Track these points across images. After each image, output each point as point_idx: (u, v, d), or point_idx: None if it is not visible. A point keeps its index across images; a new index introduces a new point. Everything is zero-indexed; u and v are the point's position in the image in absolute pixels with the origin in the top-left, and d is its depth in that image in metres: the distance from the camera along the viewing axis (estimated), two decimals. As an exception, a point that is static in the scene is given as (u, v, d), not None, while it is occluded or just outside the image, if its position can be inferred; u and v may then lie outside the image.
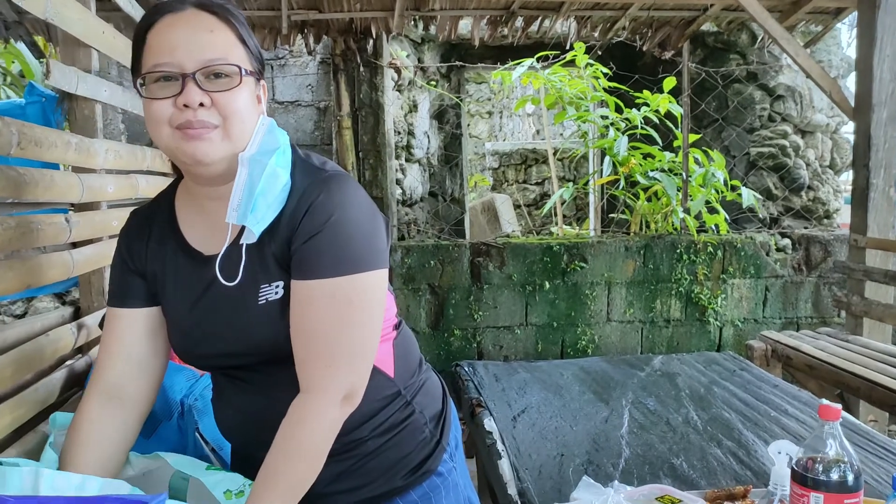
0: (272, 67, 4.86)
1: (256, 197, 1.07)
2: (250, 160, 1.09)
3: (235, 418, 1.23)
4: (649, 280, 4.83)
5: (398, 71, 5.04)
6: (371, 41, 4.72)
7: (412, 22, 4.81)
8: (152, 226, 1.19)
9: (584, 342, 4.76)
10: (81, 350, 1.82)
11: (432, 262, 4.65)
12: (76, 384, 1.70)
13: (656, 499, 1.58)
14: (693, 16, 4.59)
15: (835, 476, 1.21)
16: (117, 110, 4.40)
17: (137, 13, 2.35)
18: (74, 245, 1.72)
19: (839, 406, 1.25)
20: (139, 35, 1.10)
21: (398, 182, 5.54)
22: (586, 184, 6.03)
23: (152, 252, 1.18)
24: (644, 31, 4.85)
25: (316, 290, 1.07)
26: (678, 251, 4.82)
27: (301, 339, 1.08)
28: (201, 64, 1.05)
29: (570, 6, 4.37)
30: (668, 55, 5.03)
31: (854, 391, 3.05)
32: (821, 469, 1.22)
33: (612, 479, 1.80)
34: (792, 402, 2.51)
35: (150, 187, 2.24)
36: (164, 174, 2.54)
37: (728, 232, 5.11)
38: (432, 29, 4.89)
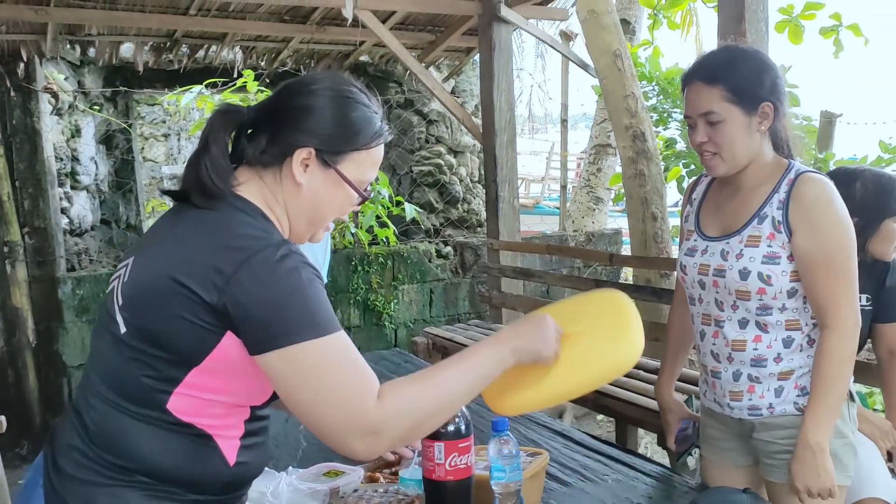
0: None
1: None
2: None
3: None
4: (329, 292, 5.16)
5: (55, 95, 4.80)
6: (23, 64, 4.45)
7: (68, 45, 4.63)
8: None
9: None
10: None
11: (106, 291, 4.51)
12: None
13: (324, 474, 1.86)
14: (349, 49, 5.06)
15: (451, 428, 1.49)
16: None
17: None
18: None
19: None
20: None
21: (64, 211, 5.24)
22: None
23: None
24: (307, 61, 5.21)
25: None
26: (353, 263, 5.25)
27: None
28: None
29: (233, 37, 4.57)
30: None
31: (495, 369, 3.67)
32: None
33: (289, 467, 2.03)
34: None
35: None
36: None
37: (396, 243, 5.67)
38: (91, 52, 4.74)
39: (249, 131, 1.31)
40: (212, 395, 1.19)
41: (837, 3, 5.47)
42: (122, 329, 1.19)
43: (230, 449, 1.23)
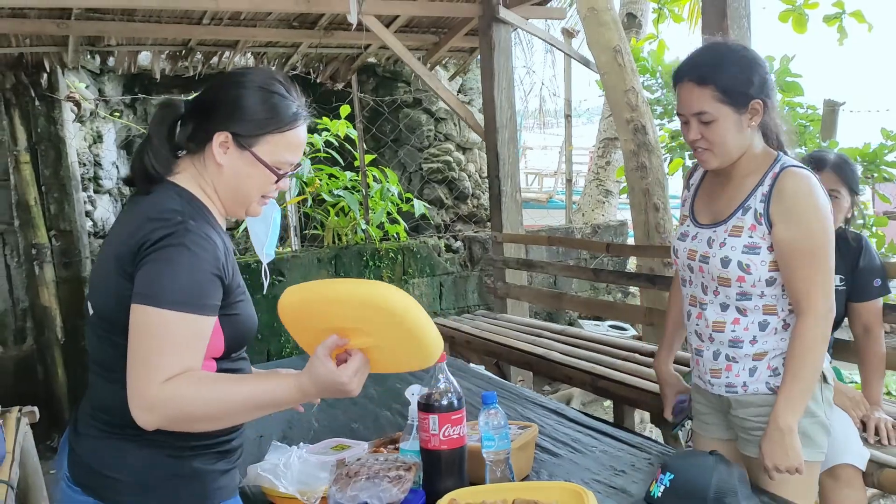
0: (-69, 103, 4.57)
1: None
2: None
3: None
4: (342, 287, 5.34)
5: (77, 104, 5.02)
6: (45, 74, 4.67)
7: (89, 55, 4.84)
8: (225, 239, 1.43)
9: (288, 349, 5.14)
10: None
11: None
12: None
13: (331, 448, 2.02)
14: (356, 52, 5.22)
15: (444, 402, 1.63)
16: None
17: None
18: None
19: (445, 353, 1.69)
20: None
21: (88, 214, 5.46)
22: (280, 204, 6.43)
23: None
24: (316, 65, 5.38)
25: None
26: (365, 258, 5.42)
27: None
28: None
29: (245, 43, 4.75)
30: (340, 86, 5.63)
31: (500, 356, 3.82)
32: (435, 398, 1.65)
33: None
34: (448, 368, 3.13)
35: None
36: None
37: (406, 239, 5.83)
38: (111, 61, 4.95)
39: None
40: None
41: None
42: (90, 312, 1.41)
43: None
